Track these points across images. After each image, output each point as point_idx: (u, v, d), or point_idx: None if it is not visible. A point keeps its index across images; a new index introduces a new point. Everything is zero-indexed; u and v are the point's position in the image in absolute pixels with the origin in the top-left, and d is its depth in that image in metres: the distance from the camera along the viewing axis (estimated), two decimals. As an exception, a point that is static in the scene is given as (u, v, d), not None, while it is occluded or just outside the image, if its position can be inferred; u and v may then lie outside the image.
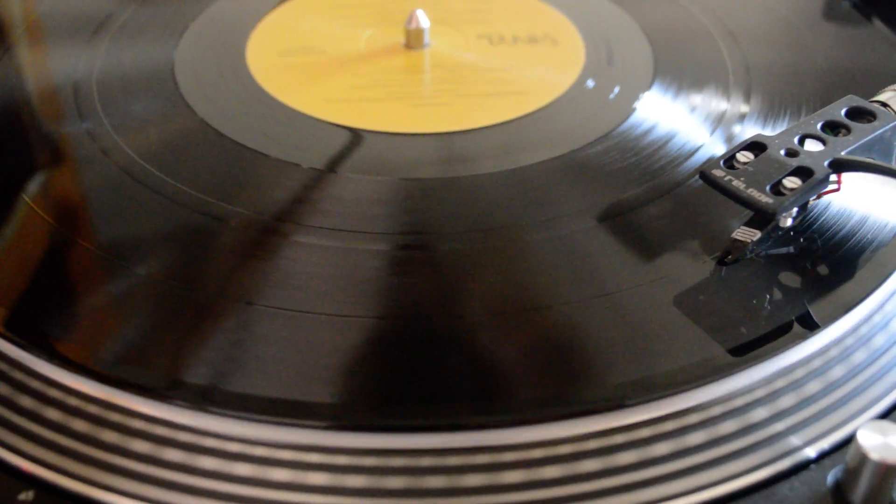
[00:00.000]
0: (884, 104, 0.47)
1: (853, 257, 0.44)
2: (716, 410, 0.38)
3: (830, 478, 0.37)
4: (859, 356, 0.41)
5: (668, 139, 0.52)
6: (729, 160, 0.44)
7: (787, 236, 0.45)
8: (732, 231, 0.44)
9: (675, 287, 0.43)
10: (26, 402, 0.39)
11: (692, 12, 0.64)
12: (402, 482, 0.36)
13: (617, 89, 0.57)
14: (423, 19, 0.61)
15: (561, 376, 0.39)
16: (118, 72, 0.58)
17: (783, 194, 0.42)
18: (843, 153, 0.44)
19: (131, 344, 0.41)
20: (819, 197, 0.45)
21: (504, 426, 0.37)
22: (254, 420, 0.37)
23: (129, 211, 0.48)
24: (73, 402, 0.39)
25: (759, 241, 0.43)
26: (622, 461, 0.37)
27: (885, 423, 0.35)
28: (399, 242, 0.46)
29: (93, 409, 0.38)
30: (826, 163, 0.43)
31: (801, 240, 0.45)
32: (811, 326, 0.41)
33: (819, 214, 0.46)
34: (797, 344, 0.40)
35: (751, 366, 0.39)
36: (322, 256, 0.45)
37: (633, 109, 0.55)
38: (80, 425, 0.38)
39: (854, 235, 0.45)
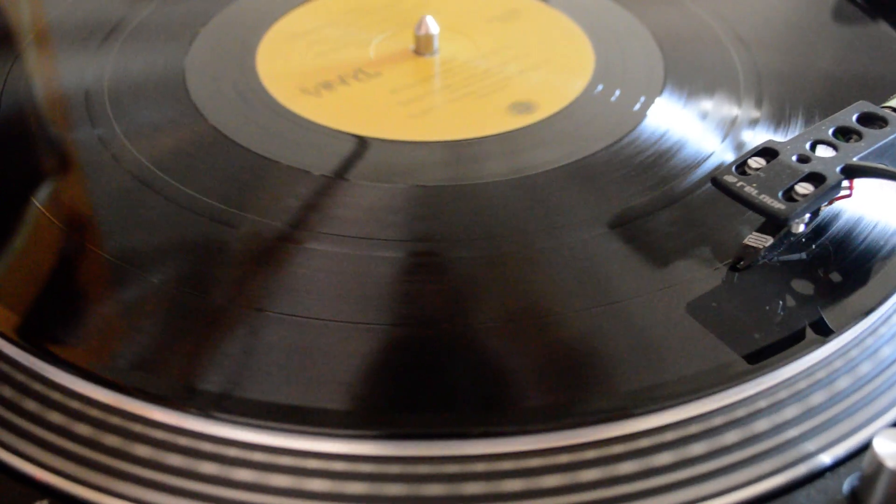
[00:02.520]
0: (895, 110, 0.47)
1: (865, 263, 0.44)
2: (729, 417, 0.38)
3: (846, 485, 0.37)
4: (873, 362, 0.41)
5: (679, 146, 0.52)
6: (741, 166, 0.44)
7: (798, 242, 0.45)
8: (744, 237, 0.44)
9: (687, 294, 0.43)
10: (41, 410, 0.39)
11: (702, 17, 0.64)
12: (409, 489, 0.36)
13: (627, 96, 0.57)
14: (432, 25, 0.61)
15: (571, 385, 0.39)
16: (129, 78, 0.58)
17: (795, 200, 0.42)
18: (854, 159, 0.44)
19: (143, 351, 0.41)
20: (831, 203, 0.45)
21: (513, 434, 0.37)
22: (265, 427, 0.37)
23: (140, 217, 0.48)
24: (88, 409, 0.39)
25: (772, 247, 0.43)
26: (634, 469, 0.37)
27: (901, 431, 0.35)
28: (408, 249, 0.46)
29: (107, 417, 0.38)
30: (838, 169, 0.43)
31: (813, 246, 0.45)
32: (824, 333, 0.40)
33: (831, 220, 0.46)
34: (810, 350, 0.40)
35: (765, 372, 0.39)
36: (332, 263, 0.45)
37: (644, 116, 0.55)
38: (94, 433, 0.38)
39: (866, 241, 0.45)
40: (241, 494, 0.36)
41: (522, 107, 0.56)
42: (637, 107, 0.56)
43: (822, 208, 0.45)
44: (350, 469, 0.36)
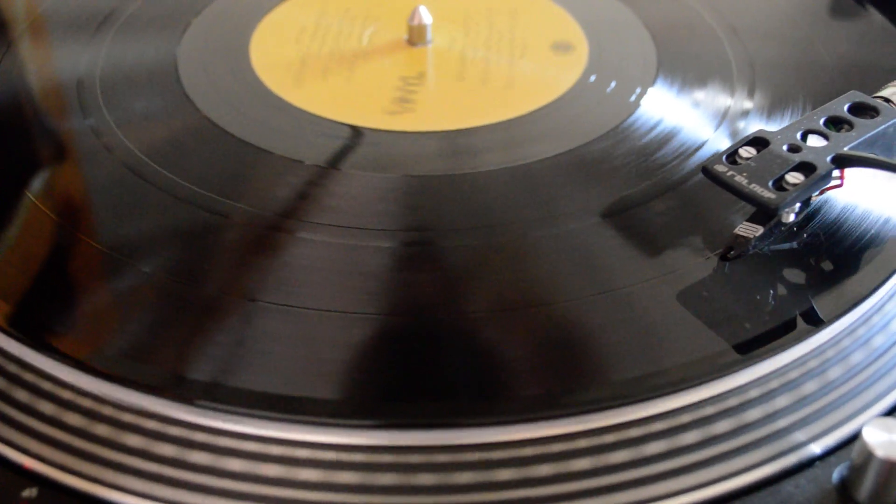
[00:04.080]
0: (886, 100, 0.47)
1: (856, 252, 0.44)
2: (720, 406, 0.38)
3: (836, 475, 0.37)
4: (862, 354, 0.41)
5: (671, 135, 0.52)
6: (731, 155, 0.44)
7: (789, 232, 0.45)
8: (735, 227, 0.44)
9: (677, 283, 0.43)
10: (30, 398, 0.39)
11: (695, 8, 0.64)
12: (402, 479, 0.36)
13: (620, 86, 0.57)
14: (425, 15, 0.61)
15: (563, 373, 0.39)
16: (122, 68, 0.58)
17: (786, 190, 0.42)
18: (845, 148, 0.44)
19: (136, 341, 0.41)
20: (822, 193, 0.45)
21: (507, 423, 0.37)
22: (257, 416, 0.37)
23: (132, 207, 0.48)
24: (77, 399, 0.39)
25: (762, 236, 0.43)
26: (623, 458, 0.37)
27: (890, 421, 0.35)
28: (402, 239, 0.46)
29: (97, 407, 0.38)
30: (829, 158, 0.43)
31: (804, 235, 0.45)
32: (815, 322, 0.41)
33: (821, 210, 0.46)
34: (801, 340, 0.40)
35: (755, 362, 0.39)
36: (325, 253, 0.45)
37: (637, 106, 0.55)
38: (82, 422, 0.38)
39: (857, 231, 0.45)
40: (233, 484, 0.36)
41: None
42: (630, 97, 0.56)
43: (813, 198, 0.45)
44: (343, 459, 0.36)
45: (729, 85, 0.56)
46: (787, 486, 0.37)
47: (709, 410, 0.38)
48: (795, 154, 0.44)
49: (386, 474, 0.36)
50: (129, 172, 0.50)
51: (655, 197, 0.48)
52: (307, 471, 0.36)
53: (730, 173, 0.43)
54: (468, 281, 0.44)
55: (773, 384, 0.39)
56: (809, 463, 0.38)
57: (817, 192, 0.44)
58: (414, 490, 0.36)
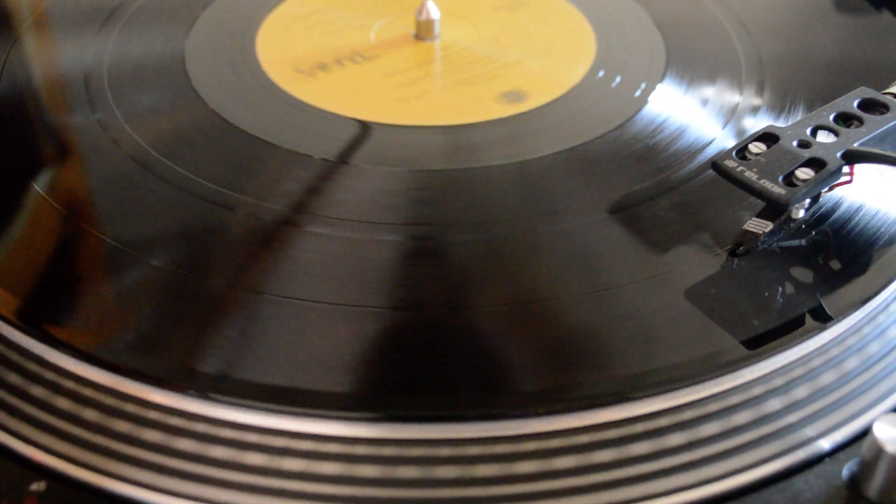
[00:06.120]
0: (896, 96, 0.47)
1: (865, 249, 0.44)
2: (728, 402, 0.38)
3: (845, 471, 0.37)
4: (873, 348, 0.41)
5: (679, 132, 0.52)
6: (741, 151, 0.44)
7: (798, 228, 0.45)
8: (744, 223, 0.43)
9: (686, 279, 0.43)
10: (38, 391, 0.39)
11: (704, 4, 0.64)
12: (412, 472, 0.36)
13: (628, 82, 0.57)
14: (433, 10, 0.61)
15: (570, 369, 0.39)
16: (129, 62, 0.58)
17: (796, 185, 0.42)
18: (855, 144, 0.44)
19: (143, 333, 0.41)
20: (831, 189, 0.44)
21: (514, 417, 0.37)
22: (262, 409, 0.37)
23: (140, 201, 0.48)
24: (85, 391, 0.39)
25: (771, 232, 0.43)
26: (634, 452, 0.37)
27: (901, 416, 0.35)
28: (408, 233, 0.46)
29: (105, 399, 0.38)
30: (839, 154, 0.43)
31: (813, 232, 0.45)
32: (823, 319, 0.40)
33: (831, 206, 0.46)
34: (809, 337, 0.40)
35: (763, 358, 0.39)
36: (331, 246, 0.45)
37: (645, 102, 0.55)
38: (91, 415, 0.38)
39: (866, 227, 0.45)
40: (238, 476, 0.37)
41: (521, 94, 0.56)
42: (638, 93, 0.56)
43: (823, 194, 0.45)
44: (347, 451, 0.37)
45: (738, 81, 0.56)
46: (797, 482, 0.37)
47: (715, 406, 0.38)
48: (805, 150, 0.44)
49: (395, 467, 0.36)
50: (136, 166, 0.50)
51: (663, 193, 0.48)
52: (311, 462, 0.36)
53: (740, 168, 0.43)
54: (473, 275, 0.44)
55: (781, 380, 0.39)
56: (819, 459, 0.37)
57: (827, 189, 0.44)
58: (421, 483, 0.36)
